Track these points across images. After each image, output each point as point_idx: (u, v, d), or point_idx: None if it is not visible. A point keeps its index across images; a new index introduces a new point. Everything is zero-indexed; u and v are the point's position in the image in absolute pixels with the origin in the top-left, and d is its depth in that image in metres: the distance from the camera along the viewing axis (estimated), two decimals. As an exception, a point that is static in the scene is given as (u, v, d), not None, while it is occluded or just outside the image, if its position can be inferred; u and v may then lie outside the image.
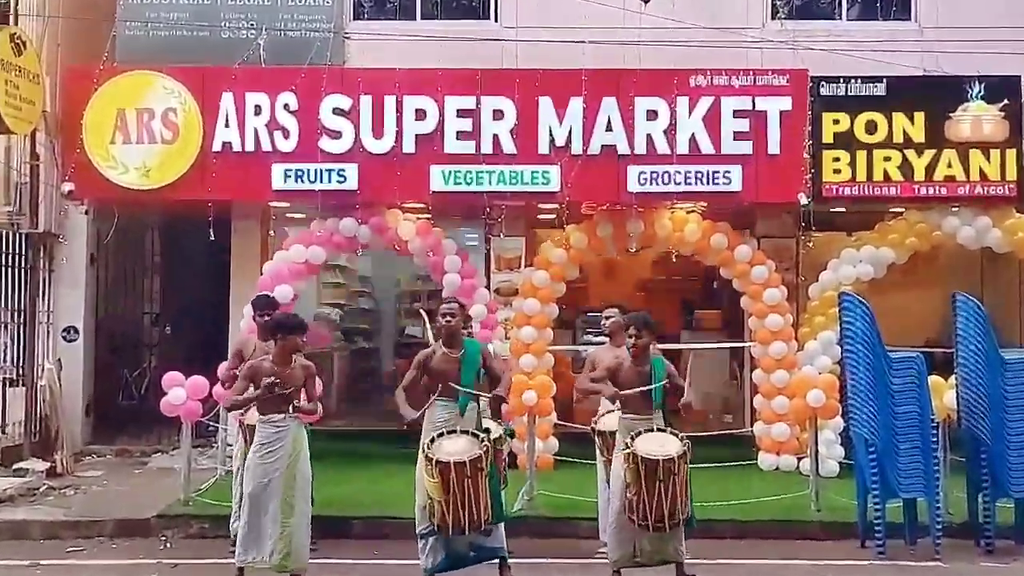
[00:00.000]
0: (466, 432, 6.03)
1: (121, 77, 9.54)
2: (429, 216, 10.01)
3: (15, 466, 9.21)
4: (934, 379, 7.49)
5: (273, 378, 6.00)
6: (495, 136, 9.42)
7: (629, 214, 9.62)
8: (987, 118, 9.50)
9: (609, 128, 9.42)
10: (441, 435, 6.02)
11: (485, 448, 5.91)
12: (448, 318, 6.34)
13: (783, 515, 7.83)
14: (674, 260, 10.20)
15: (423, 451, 5.95)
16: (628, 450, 5.84)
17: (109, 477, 9.36)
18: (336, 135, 9.48)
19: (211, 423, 8.89)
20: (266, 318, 6.91)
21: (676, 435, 5.94)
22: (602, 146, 9.43)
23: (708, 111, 9.42)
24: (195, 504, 8.03)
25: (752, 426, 9.94)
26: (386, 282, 14.15)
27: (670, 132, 9.42)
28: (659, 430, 6.00)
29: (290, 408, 6.13)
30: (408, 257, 10.10)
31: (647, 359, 6.20)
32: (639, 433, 5.96)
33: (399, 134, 9.45)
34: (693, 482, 6.11)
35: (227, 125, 9.47)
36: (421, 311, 7.76)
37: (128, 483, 9.12)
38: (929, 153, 9.52)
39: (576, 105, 9.40)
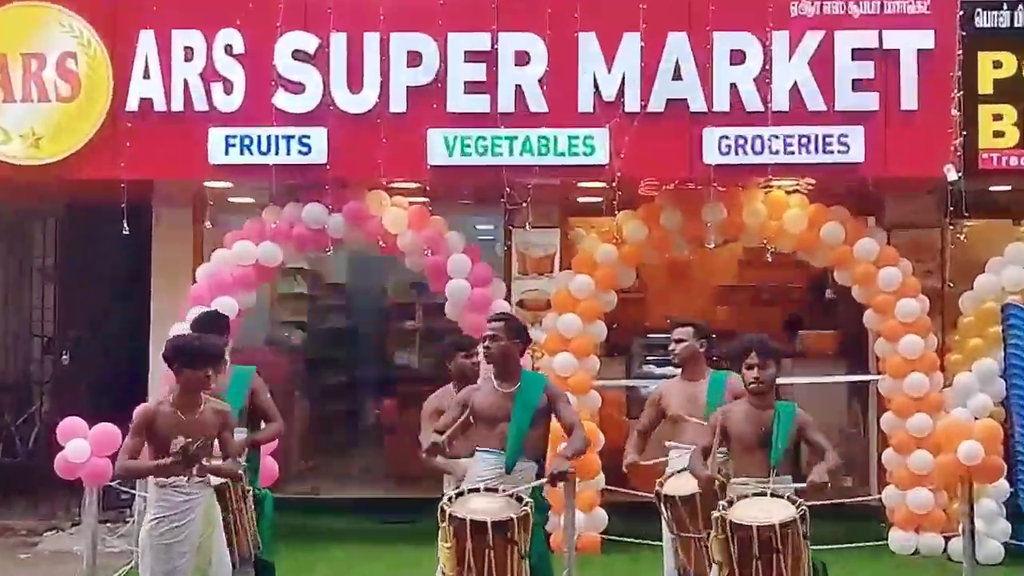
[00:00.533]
0: (510, 494, 6.07)
1: (0, 10, 9.61)
2: (426, 200, 10.01)
3: None
4: None
5: (187, 439, 5.95)
6: (518, 88, 9.43)
7: (706, 196, 9.59)
8: None
9: (677, 76, 9.40)
10: (476, 490, 6.11)
11: (523, 513, 5.94)
12: (489, 342, 6.38)
13: (926, 618, 7.78)
14: (769, 259, 10.14)
15: (442, 505, 5.98)
16: (718, 514, 5.89)
17: (-15, 564, 9.39)
18: (297, 88, 9.52)
19: (124, 489, 8.91)
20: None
21: (794, 502, 5.94)
22: (668, 101, 9.40)
23: (817, 51, 9.38)
24: (103, 601, 8.04)
25: (881, 492, 9.87)
26: (367, 292, 14.20)
27: (763, 81, 9.38)
28: (775, 495, 6.00)
29: (194, 470, 6.08)
30: (397, 257, 10.11)
31: (771, 401, 6.21)
32: (744, 497, 6.00)
33: (384, 86, 9.47)
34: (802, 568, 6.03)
35: (147, 76, 9.52)
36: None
37: (11, 572, 9.14)
38: None
39: (631, 44, 9.39)
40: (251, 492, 6.96)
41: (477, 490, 6.10)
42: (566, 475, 6.27)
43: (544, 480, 6.28)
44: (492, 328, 6.46)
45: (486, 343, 6.43)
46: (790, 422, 6.16)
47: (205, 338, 6.51)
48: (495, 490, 6.10)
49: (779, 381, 6.33)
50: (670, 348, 7.31)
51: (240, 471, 6.76)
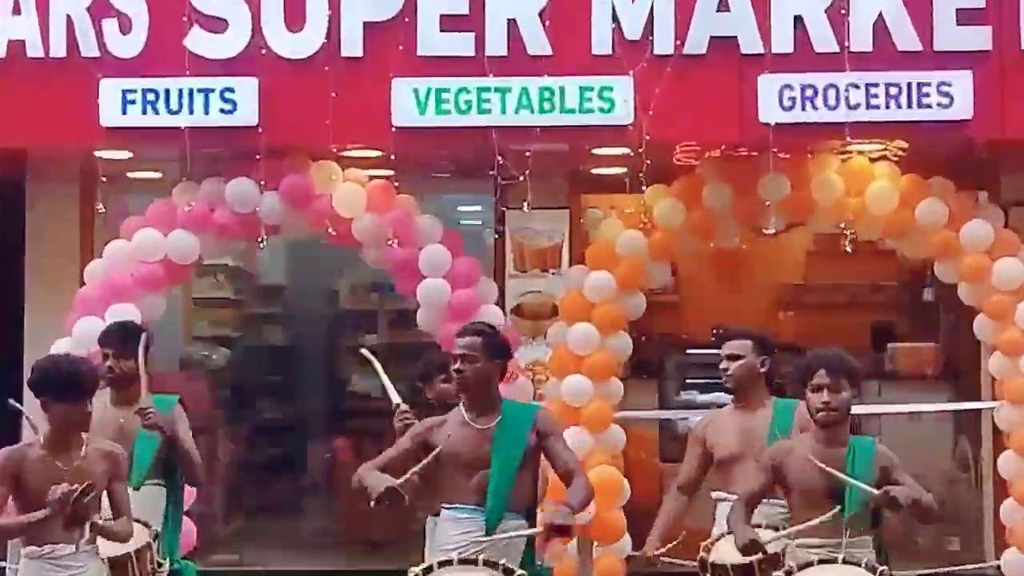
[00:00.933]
0: (493, 565, 6.09)
1: None
2: (391, 173, 10.03)
3: None
4: None
5: (69, 487, 5.97)
6: (511, 24, 9.44)
7: (763, 165, 9.62)
8: None
9: (724, 6, 9.43)
10: (448, 563, 6.11)
11: None
12: (460, 363, 6.41)
13: None
14: (848, 249, 10.16)
15: None
16: None
17: None
18: (218, 26, 9.53)
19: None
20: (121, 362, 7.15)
21: (873, 570, 6.01)
22: (711, 39, 9.43)
23: (908, -29, 9.43)
24: None
25: (998, 557, 9.90)
26: (313, 296, 14.21)
27: (837, 12, 9.39)
28: (848, 562, 6.05)
29: (85, 530, 6.12)
30: (352, 249, 10.14)
31: (844, 436, 6.23)
32: (808, 565, 6.07)
33: (333, 22, 9.48)
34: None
35: (17, 11, 9.52)
36: (364, 351, 7.78)
37: None
38: None
39: (662, -37, 9.45)
40: (166, 565, 7.00)
41: (450, 562, 6.12)
42: (570, 530, 6.25)
43: (537, 530, 6.28)
44: (464, 345, 6.48)
45: (457, 365, 6.46)
46: (869, 463, 6.20)
47: (81, 360, 6.54)
48: (474, 561, 6.11)
49: (858, 410, 6.37)
50: (721, 367, 7.32)
51: (150, 538, 6.80)
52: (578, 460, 6.64)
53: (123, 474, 6.38)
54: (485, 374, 6.48)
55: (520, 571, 6.07)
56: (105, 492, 6.27)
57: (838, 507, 6.18)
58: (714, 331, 11.57)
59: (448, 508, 6.38)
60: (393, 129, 9.44)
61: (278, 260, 13.62)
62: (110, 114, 9.48)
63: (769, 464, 6.44)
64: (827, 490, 6.23)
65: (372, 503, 6.26)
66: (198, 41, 9.50)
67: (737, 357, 7.20)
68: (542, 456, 6.58)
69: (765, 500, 6.61)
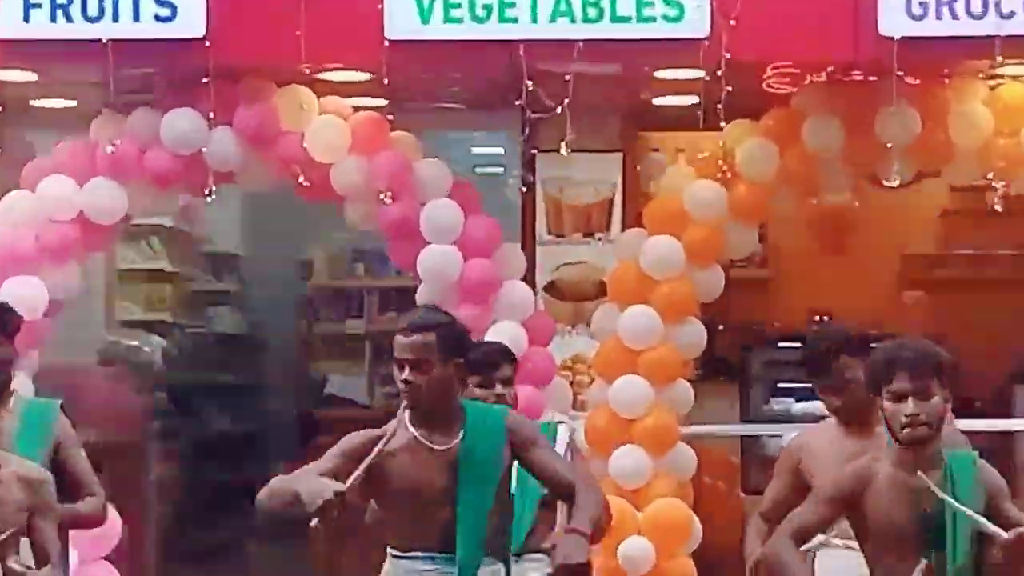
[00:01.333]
0: None
1: None
2: (383, 104, 10.05)
3: None
4: None
5: None
6: (546, -98, 9.49)
7: (884, 93, 9.63)
8: None
9: None
10: None
11: None
12: (410, 372, 6.37)
13: None
14: (998, 208, 10.15)
15: None
16: None
17: None
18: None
19: None
20: None
21: None
22: (814, -76, 9.47)
23: None
24: None
25: None
26: (278, 269, 14.24)
27: None
28: None
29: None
30: (331, 205, 10.19)
31: (938, 455, 6.25)
32: None
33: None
34: None
35: None
36: None
37: None
38: None
39: None
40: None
41: None
42: (587, 569, 6.21)
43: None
44: (410, 346, 6.30)
45: (404, 374, 6.31)
46: (972, 486, 6.12)
47: None
48: None
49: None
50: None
51: None
52: (576, 467, 6.65)
53: (49, 507, 6.37)
54: (443, 381, 6.33)
55: None
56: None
57: (924, 560, 6.14)
58: (814, 320, 11.57)
59: (403, 557, 6.37)
60: (386, 43, 9.47)
61: (232, 220, 13.63)
62: (8, 22, 9.52)
63: (839, 495, 6.32)
64: (915, 529, 6.16)
65: (313, 520, 6.30)
66: (125, -74, 9.56)
67: (847, 383, 7.13)
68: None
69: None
